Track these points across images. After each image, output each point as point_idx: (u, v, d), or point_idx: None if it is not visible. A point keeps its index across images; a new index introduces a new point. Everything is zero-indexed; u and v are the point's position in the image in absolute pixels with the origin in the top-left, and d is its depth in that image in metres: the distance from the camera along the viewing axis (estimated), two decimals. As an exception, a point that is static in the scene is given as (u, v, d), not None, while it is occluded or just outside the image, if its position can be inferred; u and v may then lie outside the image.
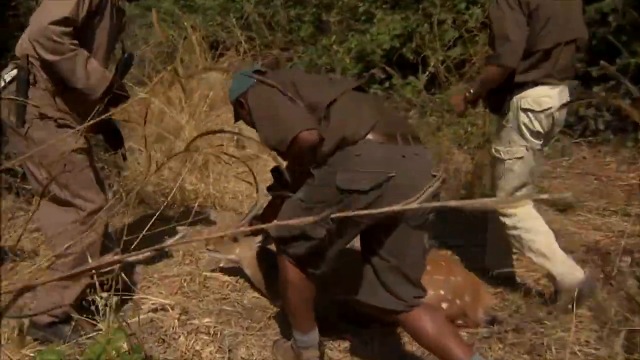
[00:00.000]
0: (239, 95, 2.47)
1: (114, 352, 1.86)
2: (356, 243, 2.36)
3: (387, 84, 6.32)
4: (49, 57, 2.33)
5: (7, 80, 2.45)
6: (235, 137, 5.63)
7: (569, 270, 2.88)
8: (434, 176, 2.22)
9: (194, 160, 4.91)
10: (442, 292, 2.85)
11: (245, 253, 3.11)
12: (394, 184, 2.10)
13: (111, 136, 2.93)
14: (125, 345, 1.98)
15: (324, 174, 2.20)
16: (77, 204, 2.49)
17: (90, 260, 2.48)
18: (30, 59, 2.40)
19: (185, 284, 3.18)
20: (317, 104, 2.25)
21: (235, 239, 3.20)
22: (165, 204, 4.07)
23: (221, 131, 3.81)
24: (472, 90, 3.02)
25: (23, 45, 2.43)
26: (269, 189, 2.76)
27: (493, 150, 3.09)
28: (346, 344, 2.73)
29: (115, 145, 2.95)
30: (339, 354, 2.68)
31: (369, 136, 2.16)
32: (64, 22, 2.31)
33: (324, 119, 2.21)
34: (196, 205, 4.08)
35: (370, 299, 2.30)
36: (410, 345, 2.71)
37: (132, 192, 4.04)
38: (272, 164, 5.11)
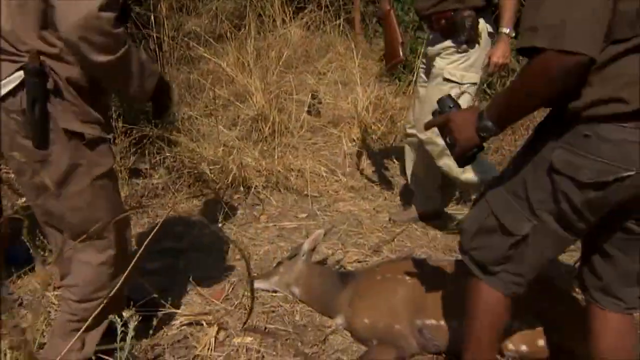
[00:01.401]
0: None
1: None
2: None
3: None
4: (100, 58, 1.65)
5: (9, 89, 1.72)
6: (309, 102, 5.13)
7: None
8: None
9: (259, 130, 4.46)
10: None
11: (292, 273, 2.67)
12: (626, 184, 1.48)
13: (162, 100, 2.08)
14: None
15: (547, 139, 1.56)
16: (105, 239, 1.96)
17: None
18: (44, 58, 1.71)
19: (230, 289, 2.74)
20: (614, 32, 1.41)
21: (279, 262, 2.77)
22: (220, 183, 3.69)
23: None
24: None
25: (19, 35, 1.71)
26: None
27: (447, 74, 2.95)
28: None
29: (162, 111, 2.14)
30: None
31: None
32: (115, 2, 1.63)
33: (600, 66, 1.43)
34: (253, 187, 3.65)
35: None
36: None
37: (185, 171, 3.67)
38: (347, 139, 4.68)
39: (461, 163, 1.67)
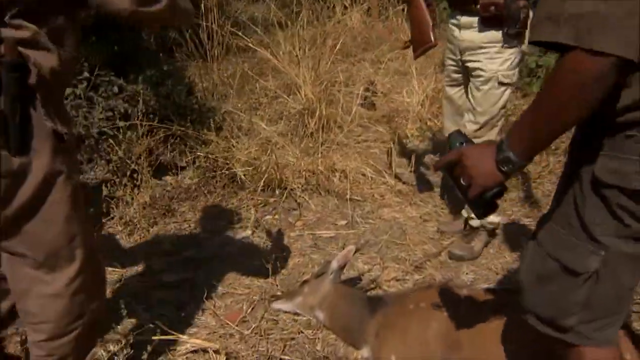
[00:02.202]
0: None
1: None
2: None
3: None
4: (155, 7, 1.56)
5: None
6: (362, 94, 4.80)
7: None
8: None
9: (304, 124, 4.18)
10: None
11: (316, 295, 2.36)
12: None
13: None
14: None
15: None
16: (75, 261, 1.65)
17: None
18: (22, 49, 1.42)
19: (249, 309, 2.48)
20: None
21: (304, 281, 2.48)
22: (254, 185, 3.43)
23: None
24: None
25: None
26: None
27: (502, 77, 2.61)
28: None
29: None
30: None
31: None
32: None
33: None
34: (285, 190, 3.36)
35: None
36: None
37: (218, 172, 3.44)
38: (399, 136, 4.30)
39: (479, 209, 1.32)
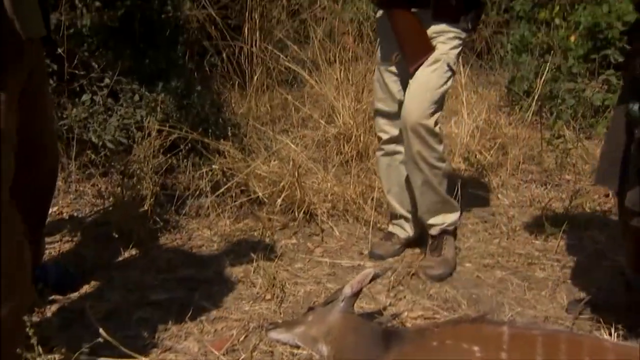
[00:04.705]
0: None
1: None
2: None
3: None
4: None
5: None
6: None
7: None
8: None
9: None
10: None
11: (322, 325, 1.96)
12: None
13: None
14: None
15: None
16: None
17: None
18: None
19: (242, 337, 2.06)
20: None
21: (310, 308, 2.09)
22: (274, 206, 3.04)
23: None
24: None
25: None
26: None
27: (452, 62, 2.43)
28: None
29: None
30: None
31: None
32: None
33: None
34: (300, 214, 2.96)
35: None
36: None
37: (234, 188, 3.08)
38: (456, 161, 3.89)
39: None
